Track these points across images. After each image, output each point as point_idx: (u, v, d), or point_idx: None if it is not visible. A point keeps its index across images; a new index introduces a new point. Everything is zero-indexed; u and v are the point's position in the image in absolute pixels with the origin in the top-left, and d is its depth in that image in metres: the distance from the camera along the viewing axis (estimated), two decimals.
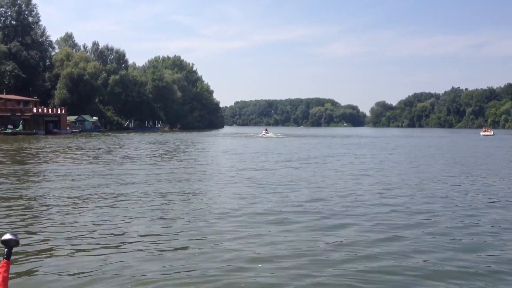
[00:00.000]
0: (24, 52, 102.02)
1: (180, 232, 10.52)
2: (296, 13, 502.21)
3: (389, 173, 23.46)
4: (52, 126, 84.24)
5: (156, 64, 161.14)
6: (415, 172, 24.28)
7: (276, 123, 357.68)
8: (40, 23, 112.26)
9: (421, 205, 14.23)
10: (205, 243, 9.59)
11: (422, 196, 15.95)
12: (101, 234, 10.21)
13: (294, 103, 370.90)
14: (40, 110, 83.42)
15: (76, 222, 11.37)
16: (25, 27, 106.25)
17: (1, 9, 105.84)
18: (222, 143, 59.01)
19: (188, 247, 9.30)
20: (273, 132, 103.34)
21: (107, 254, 8.77)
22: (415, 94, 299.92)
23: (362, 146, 53.21)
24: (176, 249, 9.16)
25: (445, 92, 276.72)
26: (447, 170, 25.14)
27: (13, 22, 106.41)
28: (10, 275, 3.43)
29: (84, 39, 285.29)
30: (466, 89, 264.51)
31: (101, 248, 9.17)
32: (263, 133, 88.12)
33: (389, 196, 15.89)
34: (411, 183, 19.65)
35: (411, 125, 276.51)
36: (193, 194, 16.06)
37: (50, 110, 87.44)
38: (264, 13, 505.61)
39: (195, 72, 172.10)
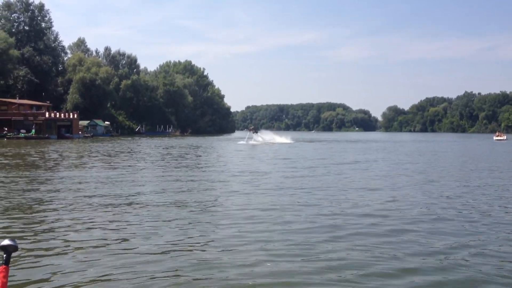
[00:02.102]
0: (37, 57, 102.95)
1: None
2: (305, 17, 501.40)
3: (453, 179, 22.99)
4: (64, 131, 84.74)
5: (167, 69, 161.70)
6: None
7: (287, 128, 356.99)
8: (53, 28, 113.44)
9: None
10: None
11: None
12: (119, 242, 10.10)
13: (305, 108, 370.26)
14: (52, 114, 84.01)
15: (92, 225, 11.29)
16: (38, 33, 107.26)
17: (14, 14, 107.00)
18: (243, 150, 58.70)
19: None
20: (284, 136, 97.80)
21: (120, 257, 8.66)
22: (427, 98, 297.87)
23: (395, 151, 52.55)
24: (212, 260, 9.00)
25: (458, 97, 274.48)
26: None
27: (26, 28, 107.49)
28: (9, 280, 3.38)
29: (94, 44, 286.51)
30: (479, 93, 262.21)
31: (113, 254, 9.07)
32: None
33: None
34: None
35: (424, 130, 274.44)
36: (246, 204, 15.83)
37: (62, 114, 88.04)
38: (272, 17, 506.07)
39: (206, 76, 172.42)
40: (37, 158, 34.30)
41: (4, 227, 11.10)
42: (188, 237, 10.35)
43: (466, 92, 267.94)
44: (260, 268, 8.22)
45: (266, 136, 73.87)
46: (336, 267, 8.25)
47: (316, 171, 26.42)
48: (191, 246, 9.64)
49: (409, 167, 29.93)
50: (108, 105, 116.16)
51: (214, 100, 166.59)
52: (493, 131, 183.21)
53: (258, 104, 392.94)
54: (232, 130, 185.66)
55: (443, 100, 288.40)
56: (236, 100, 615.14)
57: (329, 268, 8.22)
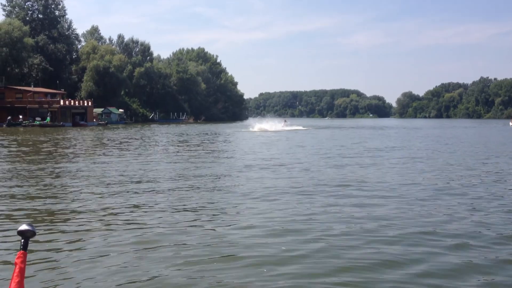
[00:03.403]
0: (51, 45, 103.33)
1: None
2: (318, 4, 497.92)
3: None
4: (79, 118, 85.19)
5: (181, 56, 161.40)
6: None
7: (301, 115, 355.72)
8: (66, 16, 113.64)
9: None
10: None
11: None
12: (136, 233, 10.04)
13: (319, 95, 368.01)
14: (67, 102, 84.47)
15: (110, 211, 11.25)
16: (51, 21, 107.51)
17: (28, 3, 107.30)
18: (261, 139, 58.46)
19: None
20: (296, 123, 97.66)
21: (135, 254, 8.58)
22: (442, 84, 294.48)
23: (425, 137, 51.36)
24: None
25: (474, 82, 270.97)
26: None
27: (40, 16, 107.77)
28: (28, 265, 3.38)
29: (107, 32, 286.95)
30: (495, 79, 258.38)
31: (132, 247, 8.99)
32: (282, 124, 75.00)
33: None
34: None
35: (439, 116, 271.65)
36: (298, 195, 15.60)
37: (77, 102, 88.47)
38: (285, 4, 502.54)
39: (219, 64, 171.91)
40: (59, 146, 34.48)
41: (23, 214, 11.10)
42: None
43: (481, 77, 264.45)
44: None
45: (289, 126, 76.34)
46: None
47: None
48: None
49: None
50: (122, 92, 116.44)
51: (227, 87, 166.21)
52: (509, 117, 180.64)
53: (271, 91, 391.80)
54: (245, 117, 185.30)
55: (458, 85, 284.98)
56: (249, 87, 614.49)
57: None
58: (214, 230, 9.62)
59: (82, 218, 10.54)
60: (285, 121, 79.04)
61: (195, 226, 9.92)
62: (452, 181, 16.70)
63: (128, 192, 14.01)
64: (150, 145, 35.17)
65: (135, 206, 11.88)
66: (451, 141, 43.66)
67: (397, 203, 12.39)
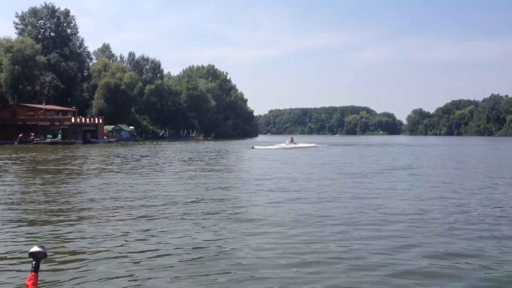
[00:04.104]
0: (63, 63, 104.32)
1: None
2: (327, 20, 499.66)
3: None
4: (89, 136, 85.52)
5: (191, 74, 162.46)
6: None
7: (311, 132, 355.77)
8: (78, 34, 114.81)
9: None
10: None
11: None
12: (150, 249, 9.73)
13: (329, 111, 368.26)
14: (78, 120, 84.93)
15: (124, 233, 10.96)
16: (63, 39, 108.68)
17: (41, 21, 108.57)
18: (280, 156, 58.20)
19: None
20: (305, 141, 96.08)
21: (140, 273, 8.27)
22: (453, 101, 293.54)
23: (447, 156, 50.59)
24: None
25: (484, 99, 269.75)
26: None
27: (52, 34, 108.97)
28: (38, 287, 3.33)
29: (118, 49, 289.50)
30: (506, 96, 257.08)
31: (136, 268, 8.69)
32: (287, 142, 74.06)
33: None
34: None
35: (450, 133, 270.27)
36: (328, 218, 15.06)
37: (88, 119, 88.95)
38: (295, 21, 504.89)
39: (229, 81, 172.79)
40: (70, 164, 34.38)
41: (33, 234, 10.85)
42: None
43: (492, 94, 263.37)
44: None
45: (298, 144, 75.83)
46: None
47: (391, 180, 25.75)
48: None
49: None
50: (133, 109, 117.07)
51: (237, 104, 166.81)
52: None
53: (281, 108, 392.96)
54: (255, 134, 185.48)
55: (469, 102, 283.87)
56: (259, 104, 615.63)
57: None
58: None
59: (94, 239, 10.26)
60: (291, 139, 77.30)
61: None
62: None
63: (139, 217, 13.71)
64: (159, 165, 34.94)
65: (147, 231, 11.57)
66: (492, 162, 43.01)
67: None
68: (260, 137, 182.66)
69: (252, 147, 66.76)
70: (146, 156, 44.70)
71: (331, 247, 9.88)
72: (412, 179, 24.71)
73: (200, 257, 9.10)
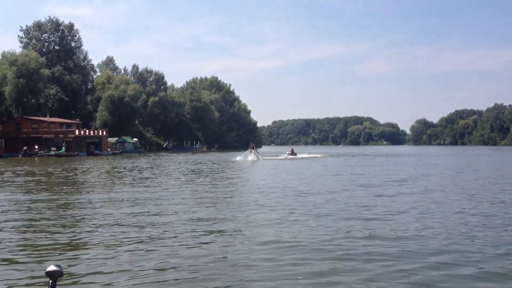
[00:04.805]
0: (67, 76, 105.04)
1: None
2: (330, 31, 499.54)
3: None
4: (93, 148, 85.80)
5: (194, 85, 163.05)
6: None
7: (314, 142, 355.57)
8: (82, 47, 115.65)
9: None
10: None
11: None
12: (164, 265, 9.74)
13: (332, 122, 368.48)
14: (82, 132, 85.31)
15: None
16: (67, 52, 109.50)
17: (45, 34, 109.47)
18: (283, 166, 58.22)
19: None
20: (308, 151, 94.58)
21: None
22: (456, 111, 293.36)
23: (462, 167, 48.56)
24: None
25: (488, 109, 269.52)
26: None
27: (56, 47, 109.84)
28: None
29: (122, 61, 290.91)
30: (510, 105, 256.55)
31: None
32: (288, 153, 74.50)
33: None
34: None
35: (453, 143, 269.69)
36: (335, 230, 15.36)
37: (92, 132, 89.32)
38: (299, 32, 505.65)
39: (232, 92, 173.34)
40: (73, 177, 34.47)
41: (43, 248, 10.87)
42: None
43: (496, 104, 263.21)
44: None
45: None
46: None
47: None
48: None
49: None
50: (136, 122, 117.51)
51: (241, 115, 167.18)
52: None
53: (285, 118, 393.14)
54: (258, 145, 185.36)
55: (473, 112, 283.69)
56: (262, 115, 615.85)
57: None
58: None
59: (108, 257, 10.27)
60: (292, 150, 76.63)
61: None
62: None
63: (144, 235, 13.74)
64: (163, 176, 34.99)
65: (154, 245, 11.60)
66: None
67: None
68: (264, 148, 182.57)
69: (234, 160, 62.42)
70: (149, 167, 44.76)
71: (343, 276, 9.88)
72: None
73: (207, 275, 8.97)
